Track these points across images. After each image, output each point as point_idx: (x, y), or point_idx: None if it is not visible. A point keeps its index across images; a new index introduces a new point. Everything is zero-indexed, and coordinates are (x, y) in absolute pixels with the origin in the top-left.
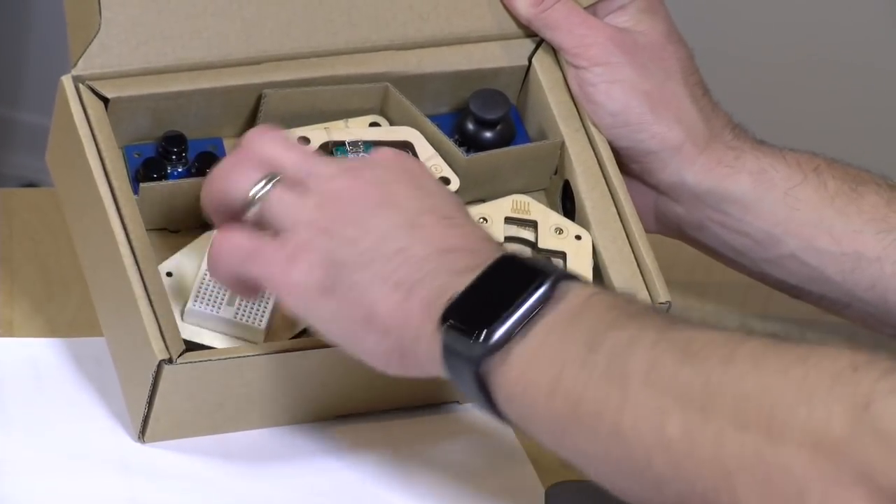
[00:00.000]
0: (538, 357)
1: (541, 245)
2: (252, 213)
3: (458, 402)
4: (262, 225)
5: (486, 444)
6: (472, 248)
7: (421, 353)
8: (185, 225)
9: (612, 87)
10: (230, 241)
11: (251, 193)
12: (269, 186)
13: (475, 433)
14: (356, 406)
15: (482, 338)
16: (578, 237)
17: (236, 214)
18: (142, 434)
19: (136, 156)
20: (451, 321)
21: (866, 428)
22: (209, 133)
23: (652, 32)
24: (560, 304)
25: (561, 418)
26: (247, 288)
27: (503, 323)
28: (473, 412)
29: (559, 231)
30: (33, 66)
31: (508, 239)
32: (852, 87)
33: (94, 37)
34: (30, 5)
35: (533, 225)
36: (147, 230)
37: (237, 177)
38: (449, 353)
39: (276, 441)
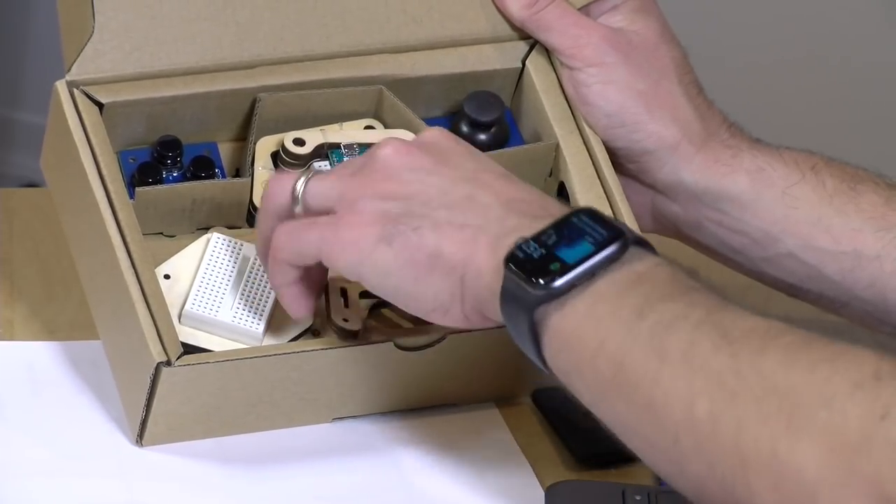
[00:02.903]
0: (591, 314)
1: None
2: (298, 209)
3: (455, 404)
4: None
5: (484, 445)
6: (539, 201)
7: (481, 291)
8: (182, 230)
9: (607, 87)
10: (284, 227)
11: (296, 192)
12: (308, 177)
13: (473, 435)
14: (354, 409)
15: (544, 282)
16: None
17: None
18: (140, 438)
19: (131, 161)
20: (514, 261)
21: (881, 438)
22: (204, 138)
23: (646, 32)
24: (625, 267)
25: (602, 380)
26: (307, 282)
27: (567, 272)
28: (471, 413)
29: None
30: (33, 67)
31: None
32: (848, 86)
33: (88, 41)
34: (30, 6)
35: None
36: (143, 235)
37: (279, 184)
38: (508, 293)
39: (274, 443)
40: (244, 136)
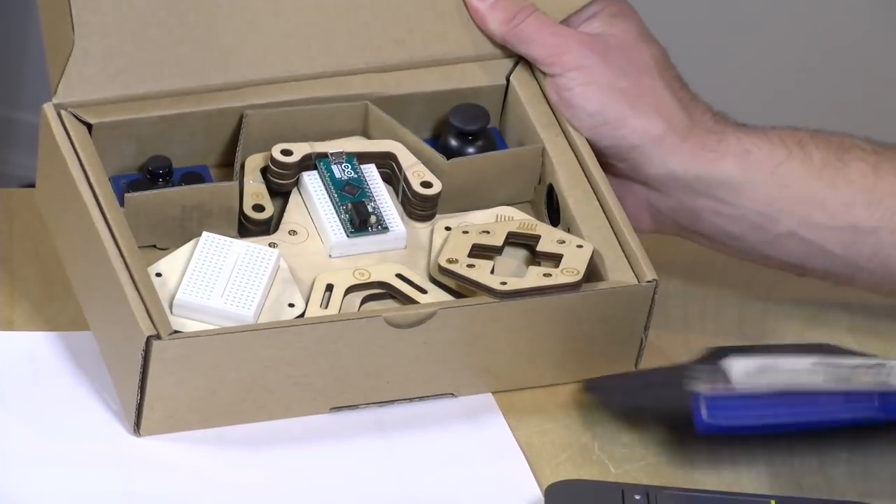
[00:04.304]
0: None
1: (539, 248)
2: None
3: (452, 393)
4: None
5: (480, 436)
6: None
7: None
8: (174, 241)
9: (589, 88)
10: None
11: None
12: None
13: (470, 425)
14: (351, 397)
15: None
16: (580, 246)
17: None
18: (137, 426)
19: (123, 184)
20: None
21: None
22: (194, 161)
23: (623, 34)
24: None
25: None
26: None
27: None
28: (468, 403)
29: (561, 242)
30: (33, 67)
31: (509, 243)
32: (842, 78)
33: (68, 61)
34: (29, 6)
35: (535, 239)
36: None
37: None
38: None
39: (272, 433)
40: (234, 161)
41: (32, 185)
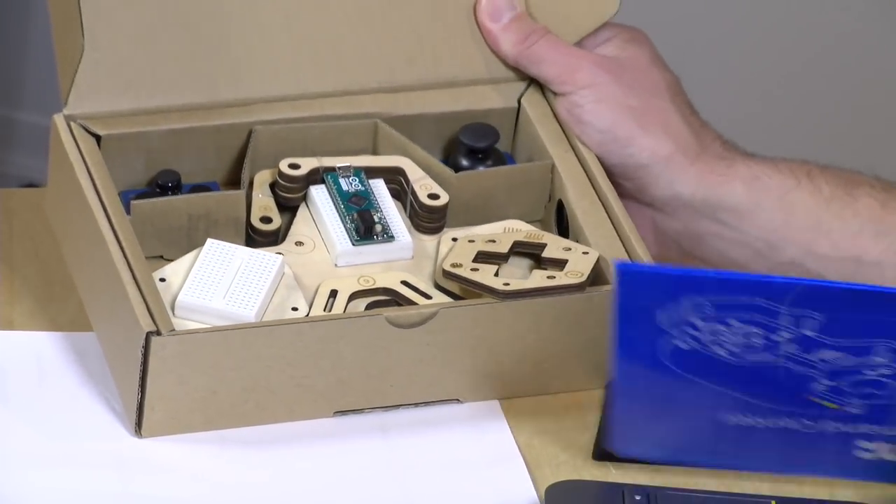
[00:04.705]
0: None
1: (545, 255)
2: None
3: (458, 399)
4: None
5: (482, 440)
6: None
7: None
8: (181, 252)
9: (599, 105)
10: None
11: None
12: None
13: (472, 429)
14: (354, 401)
15: None
16: (585, 253)
17: None
18: (138, 427)
19: (132, 199)
20: None
21: None
22: (204, 178)
23: (637, 58)
24: None
25: None
26: None
27: None
28: (470, 409)
29: (567, 249)
30: (33, 66)
31: (514, 252)
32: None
33: (77, 70)
34: (29, 6)
35: (541, 247)
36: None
37: None
38: None
39: (273, 434)
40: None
41: (32, 186)
